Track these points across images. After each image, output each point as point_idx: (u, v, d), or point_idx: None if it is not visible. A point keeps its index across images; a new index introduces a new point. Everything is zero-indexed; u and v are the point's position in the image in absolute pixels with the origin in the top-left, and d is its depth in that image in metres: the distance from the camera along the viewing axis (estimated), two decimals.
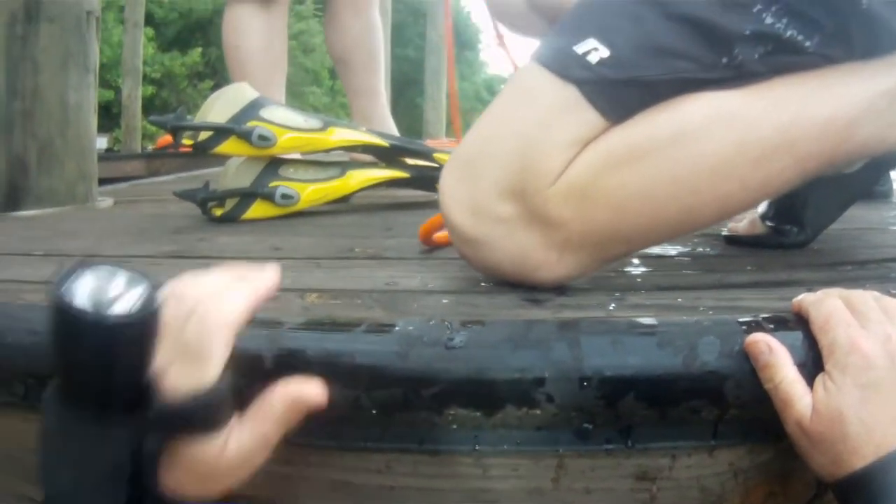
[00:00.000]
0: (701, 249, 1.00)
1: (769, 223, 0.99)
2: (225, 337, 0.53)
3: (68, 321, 0.48)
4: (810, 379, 0.57)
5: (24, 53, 1.64)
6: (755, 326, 0.61)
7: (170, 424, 0.51)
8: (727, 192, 0.73)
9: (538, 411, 0.59)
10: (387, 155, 1.57)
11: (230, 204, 1.43)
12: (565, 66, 0.74)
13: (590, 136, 0.73)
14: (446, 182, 0.78)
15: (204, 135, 1.39)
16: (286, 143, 1.42)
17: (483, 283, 0.82)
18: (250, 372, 0.58)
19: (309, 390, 0.55)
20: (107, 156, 6.26)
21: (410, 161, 1.59)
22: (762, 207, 1.01)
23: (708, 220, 0.76)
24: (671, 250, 0.99)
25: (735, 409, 0.60)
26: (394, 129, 2.20)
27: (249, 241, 1.22)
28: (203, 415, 0.52)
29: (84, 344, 0.49)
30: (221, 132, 1.38)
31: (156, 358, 0.51)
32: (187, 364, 0.51)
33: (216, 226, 1.40)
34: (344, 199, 1.52)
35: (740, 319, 0.61)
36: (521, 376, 0.58)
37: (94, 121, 1.79)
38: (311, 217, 1.47)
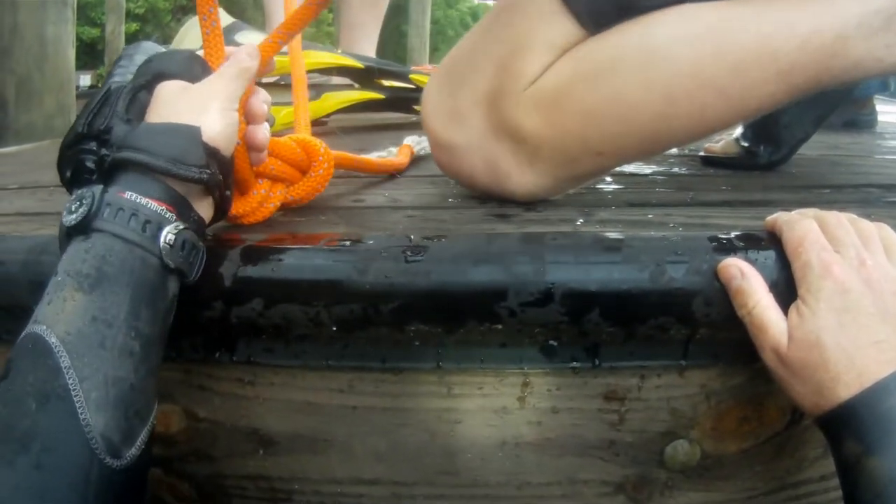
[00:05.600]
0: (676, 169, 0.98)
1: (744, 143, 0.97)
2: None
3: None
4: (784, 302, 0.55)
5: None
6: (725, 243, 0.59)
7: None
8: (704, 101, 0.70)
9: (500, 326, 0.58)
10: (362, 76, 1.54)
11: None
12: None
13: (567, 44, 0.72)
14: (428, 91, 0.80)
15: None
16: None
17: (451, 199, 0.81)
18: (211, 286, 0.59)
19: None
20: (89, 92, 6.17)
21: (387, 83, 1.56)
22: (739, 128, 0.99)
23: (685, 133, 0.74)
24: (646, 169, 0.97)
25: (705, 328, 0.59)
26: None
27: None
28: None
29: None
30: None
31: None
32: None
33: None
34: (320, 122, 1.49)
35: (710, 235, 0.59)
36: (482, 290, 0.56)
37: (72, 54, 1.80)
38: None
